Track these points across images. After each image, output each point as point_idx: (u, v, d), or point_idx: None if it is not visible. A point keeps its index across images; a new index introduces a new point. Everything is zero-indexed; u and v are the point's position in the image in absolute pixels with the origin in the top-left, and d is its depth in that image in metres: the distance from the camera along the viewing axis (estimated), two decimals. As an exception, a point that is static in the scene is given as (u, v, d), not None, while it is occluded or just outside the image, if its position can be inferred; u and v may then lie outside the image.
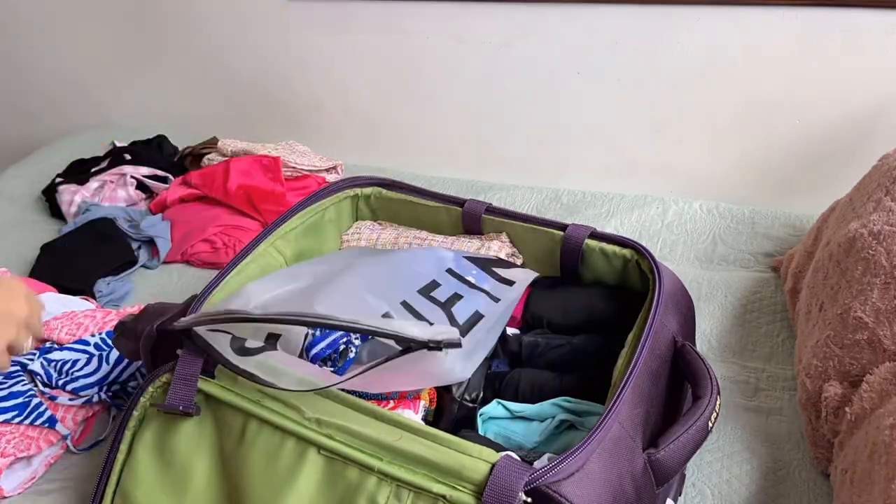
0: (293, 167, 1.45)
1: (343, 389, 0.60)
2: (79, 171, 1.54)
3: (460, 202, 0.87)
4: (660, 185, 1.49)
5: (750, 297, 1.09)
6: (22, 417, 0.85)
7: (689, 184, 1.48)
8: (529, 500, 0.52)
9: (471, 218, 0.86)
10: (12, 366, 0.89)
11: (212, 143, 1.57)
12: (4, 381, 0.88)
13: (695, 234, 1.26)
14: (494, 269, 0.79)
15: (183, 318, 0.62)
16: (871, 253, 0.81)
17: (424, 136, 1.70)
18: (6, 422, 0.84)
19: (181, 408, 0.62)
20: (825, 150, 1.36)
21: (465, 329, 0.68)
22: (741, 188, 1.45)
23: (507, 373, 0.77)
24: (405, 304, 0.69)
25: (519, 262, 0.87)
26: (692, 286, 1.10)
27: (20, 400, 0.86)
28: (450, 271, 0.76)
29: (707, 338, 1.03)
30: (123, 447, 0.66)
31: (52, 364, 0.90)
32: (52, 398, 0.88)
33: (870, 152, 1.04)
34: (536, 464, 0.54)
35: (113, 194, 1.45)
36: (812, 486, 0.81)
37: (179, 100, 1.89)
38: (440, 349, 0.53)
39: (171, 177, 1.51)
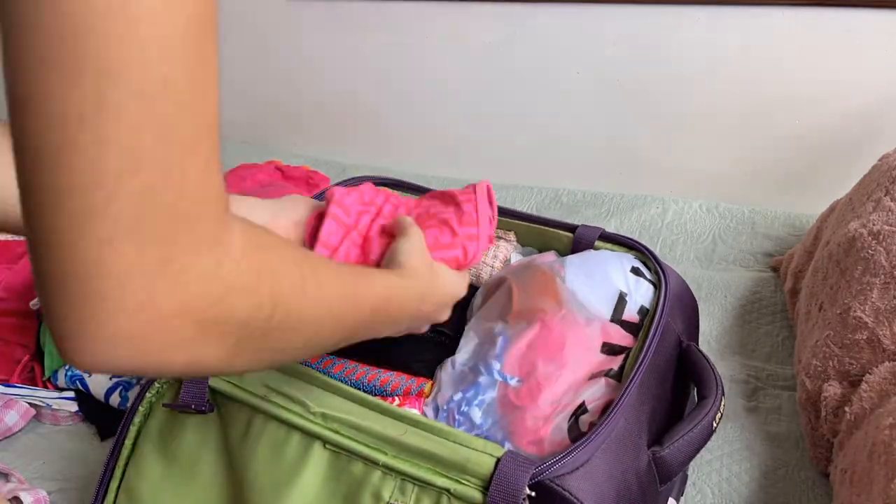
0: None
1: (349, 384, 0.61)
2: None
3: (465, 201, 0.87)
4: (660, 185, 1.49)
5: (750, 297, 1.09)
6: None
7: (689, 184, 1.49)
8: (534, 494, 0.52)
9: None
10: None
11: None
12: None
13: (695, 233, 1.26)
14: None
15: None
16: (870, 253, 0.82)
17: (424, 136, 1.70)
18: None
19: (193, 406, 0.62)
20: (825, 150, 1.37)
21: None
22: (741, 188, 1.45)
23: None
24: None
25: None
26: (692, 286, 1.10)
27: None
28: None
29: (707, 337, 1.03)
30: (128, 442, 0.66)
31: None
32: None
33: (870, 152, 1.05)
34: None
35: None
36: (812, 486, 0.81)
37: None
38: None
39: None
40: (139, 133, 0.29)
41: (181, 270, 0.31)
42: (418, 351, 0.73)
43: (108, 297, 0.30)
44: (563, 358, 0.67)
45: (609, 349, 0.68)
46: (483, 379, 0.68)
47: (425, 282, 0.56)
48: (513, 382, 0.66)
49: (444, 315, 0.61)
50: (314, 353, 0.45)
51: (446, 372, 0.71)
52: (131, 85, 0.29)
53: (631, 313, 0.70)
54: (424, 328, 0.62)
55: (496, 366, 0.68)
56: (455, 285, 0.61)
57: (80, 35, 0.28)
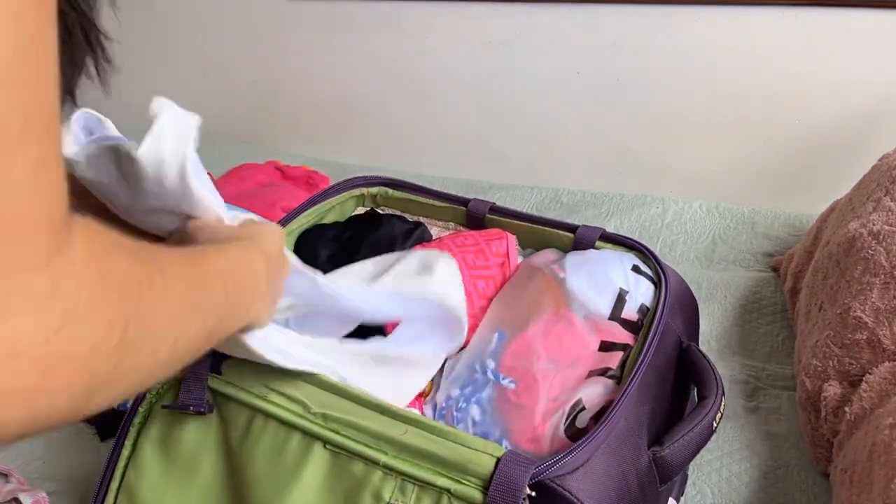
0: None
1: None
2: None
3: (464, 201, 0.87)
4: (660, 185, 1.49)
5: (750, 297, 1.09)
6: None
7: (689, 184, 1.49)
8: (534, 493, 0.52)
9: (474, 218, 0.86)
10: None
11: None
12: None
13: (695, 234, 1.26)
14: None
15: None
16: (870, 253, 0.82)
17: (424, 136, 1.70)
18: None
19: (192, 408, 0.62)
20: (825, 150, 1.37)
21: None
22: (741, 188, 1.45)
23: None
24: None
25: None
26: (692, 286, 1.10)
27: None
28: None
29: (707, 337, 1.03)
30: (128, 443, 0.66)
31: None
32: None
33: (870, 152, 1.05)
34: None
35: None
36: (812, 486, 0.81)
37: (179, 99, 1.88)
38: None
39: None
40: None
41: (3, 297, 0.24)
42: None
43: None
44: (561, 356, 0.67)
45: (607, 347, 0.68)
46: (480, 377, 0.68)
47: (259, 238, 0.51)
48: (505, 382, 0.66)
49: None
50: (184, 358, 0.38)
51: (444, 370, 0.71)
52: None
53: (630, 311, 0.70)
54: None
55: (490, 364, 0.68)
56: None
57: None
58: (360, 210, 0.93)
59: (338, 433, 0.58)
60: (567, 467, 0.53)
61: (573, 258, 0.76)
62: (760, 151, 1.42)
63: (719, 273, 1.16)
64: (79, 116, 0.54)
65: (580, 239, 0.80)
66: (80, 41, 0.38)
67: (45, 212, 0.26)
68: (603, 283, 0.72)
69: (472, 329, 0.74)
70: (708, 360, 0.69)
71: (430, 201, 0.89)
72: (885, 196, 0.89)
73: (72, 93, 0.41)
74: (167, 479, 0.64)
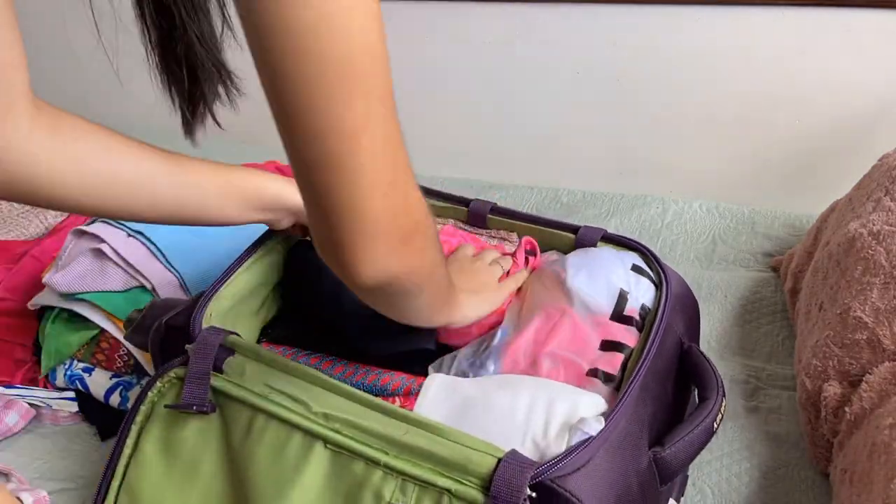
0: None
1: (350, 384, 0.61)
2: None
3: (465, 202, 0.87)
4: (660, 185, 1.49)
5: (750, 297, 1.09)
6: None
7: (689, 184, 1.49)
8: (534, 494, 0.52)
9: (475, 218, 0.86)
10: None
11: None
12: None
13: (694, 233, 1.26)
14: None
15: None
16: (870, 253, 0.82)
17: (424, 136, 1.69)
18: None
19: (195, 407, 0.62)
20: (825, 150, 1.37)
21: None
22: (741, 188, 1.46)
23: None
24: None
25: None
26: (692, 286, 1.10)
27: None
28: None
29: (707, 337, 1.03)
30: (130, 441, 0.66)
31: None
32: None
33: (870, 152, 1.05)
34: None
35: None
36: (812, 486, 0.81)
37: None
38: None
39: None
40: (388, 141, 0.43)
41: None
42: (418, 351, 0.73)
43: (366, 247, 0.45)
44: (562, 355, 0.67)
45: (609, 347, 0.68)
46: (481, 375, 0.68)
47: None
48: None
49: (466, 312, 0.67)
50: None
51: (445, 368, 0.71)
52: (379, 97, 0.41)
53: (631, 312, 0.70)
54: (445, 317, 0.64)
55: (491, 363, 0.68)
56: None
57: (352, 63, 0.39)
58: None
59: (339, 433, 0.58)
60: (568, 468, 0.53)
61: (574, 258, 0.76)
62: (760, 151, 1.42)
63: (719, 273, 1.16)
64: None
65: (581, 240, 0.80)
66: (213, 74, 0.55)
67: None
68: (604, 283, 0.72)
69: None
70: (709, 362, 0.69)
71: (431, 201, 0.89)
72: (885, 196, 0.89)
73: (213, 115, 0.59)
74: (168, 478, 0.64)
